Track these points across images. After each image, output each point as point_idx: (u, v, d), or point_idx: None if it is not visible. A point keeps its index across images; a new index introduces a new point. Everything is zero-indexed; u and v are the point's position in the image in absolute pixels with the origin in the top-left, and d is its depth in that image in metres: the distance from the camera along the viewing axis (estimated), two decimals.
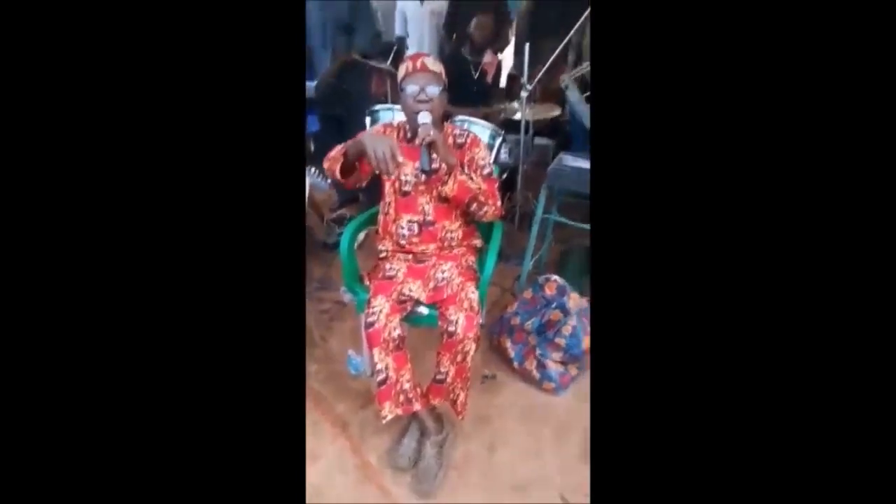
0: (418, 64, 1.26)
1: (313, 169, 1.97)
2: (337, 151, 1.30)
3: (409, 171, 1.35)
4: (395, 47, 2.50)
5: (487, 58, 2.40)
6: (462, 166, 1.31)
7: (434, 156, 1.24)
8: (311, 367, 1.66)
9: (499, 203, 1.35)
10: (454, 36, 2.88)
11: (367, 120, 2.09)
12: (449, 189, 1.27)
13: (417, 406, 1.29)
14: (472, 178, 1.28)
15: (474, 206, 1.30)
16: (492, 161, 1.86)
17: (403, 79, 1.27)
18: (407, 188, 1.36)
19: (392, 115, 2.04)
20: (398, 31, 3.17)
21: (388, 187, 1.39)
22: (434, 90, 1.25)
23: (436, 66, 1.27)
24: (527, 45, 2.12)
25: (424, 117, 1.23)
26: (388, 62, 2.31)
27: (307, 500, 1.18)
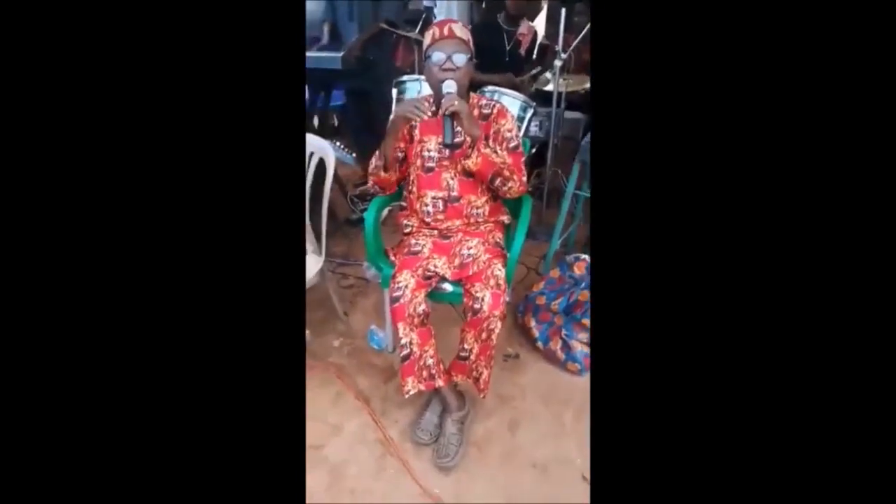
0: (445, 30, 1.20)
1: (339, 143, 1.94)
2: (375, 159, 1.32)
3: (432, 146, 1.31)
4: (423, 16, 2.41)
5: (523, 28, 2.28)
6: (487, 139, 1.26)
7: (458, 128, 1.19)
8: (335, 342, 1.68)
9: (524, 178, 1.30)
10: (483, 4, 2.77)
11: (394, 91, 2.04)
12: (472, 163, 1.22)
13: (440, 382, 1.28)
14: (496, 152, 1.24)
15: (498, 181, 1.26)
16: (521, 134, 1.80)
17: (429, 46, 1.22)
18: (431, 164, 1.32)
19: (419, 86, 1.98)
20: (426, 2, 3.07)
21: (412, 163, 1.36)
22: (461, 58, 1.19)
23: (463, 33, 1.21)
24: (562, 14, 2.01)
25: (449, 86, 1.18)
26: (416, 32, 2.23)
27: (332, 472, 1.22)
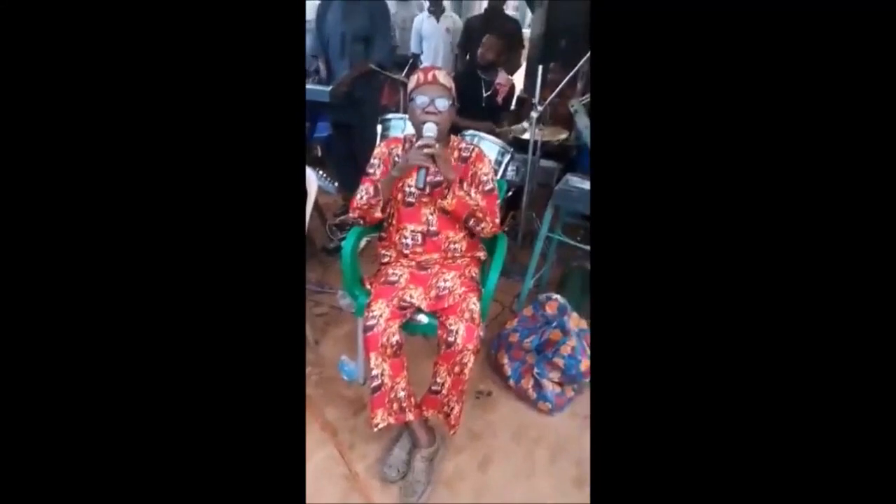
0: (430, 76, 1.27)
1: (321, 172, 1.97)
2: (368, 196, 1.32)
3: (413, 181, 1.35)
4: (410, 62, 2.54)
5: (501, 78, 2.43)
6: (463, 182, 1.32)
7: (432, 172, 1.26)
8: (305, 372, 1.63)
9: (497, 220, 1.36)
10: (468, 55, 2.94)
11: (378, 128, 2.11)
12: (447, 203, 1.28)
13: (410, 416, 1.26)
14: (470, 195, 1.29)
15: (472, 221, 1.32)
16: (498, 177, 1.88)
17: (414, 89, 1.28)
18: (411, 199, 1.35)
19: (403, 124, 2.06)
20: (413, 48, 3.24)
21: (394, 197, 1.39)
22: (443, 103, 1.26)
23: (446, 80, 1.28)
24: (539, 69, 2.16)
25: (430, 129, 1.23)
26: (403, 75, 2.35)
27: None
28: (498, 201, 1.39)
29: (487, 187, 1.36)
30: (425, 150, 1.19)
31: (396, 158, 1.35)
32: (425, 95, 1.25)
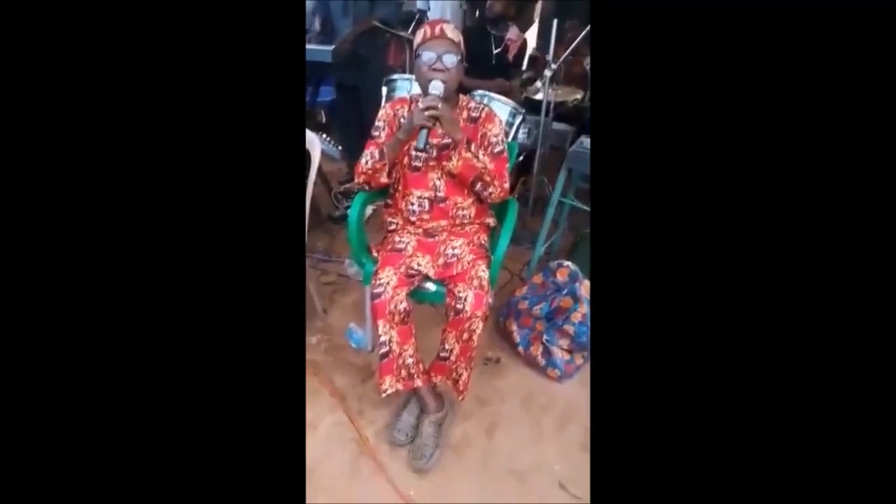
0: (437, 30, 1.19)
1: (325, 136, 1.91)
2: (374, 160, 1.27)
3: (420, 144, 1.29)
4: (416, 18, 2.42)
5: (512, 34, 2.31)
6: (471, 143, 1.25)
7: (439, 133, 1.19)
8: (312, 339, 1.63)
9: (506, 185, 1.29)
10: (477, 10, 2.79)
11: (384, 90, 2.02)
12: (453, 166, 1.22)
13: (419, 382, 1.26)
14: (478, 157, 1.23)
15: (479, 185, 1.26)
16: (509, 140, 1.80)
17: (420, 45, 1.20)
18: (417, 163, 1.30)
19: (410, 85, 1.96)
20: (420, 4, 3.09)
21: (399, 162, 1.34)
22: (451, 59, 1.18)
23: (455, 34, 1.20)
24: (554, 25, 2.04)
25: (436, 87, 1.16)
26: (409, 32, 2.23)
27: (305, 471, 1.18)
28: (508, 165, 1.33)
29: (497, 149, 1.29)
30: (429, 111, 1.13)
31: (402, 120, 1.29)
32: (432, 51, 1.18)
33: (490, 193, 1.28)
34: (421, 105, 1.14)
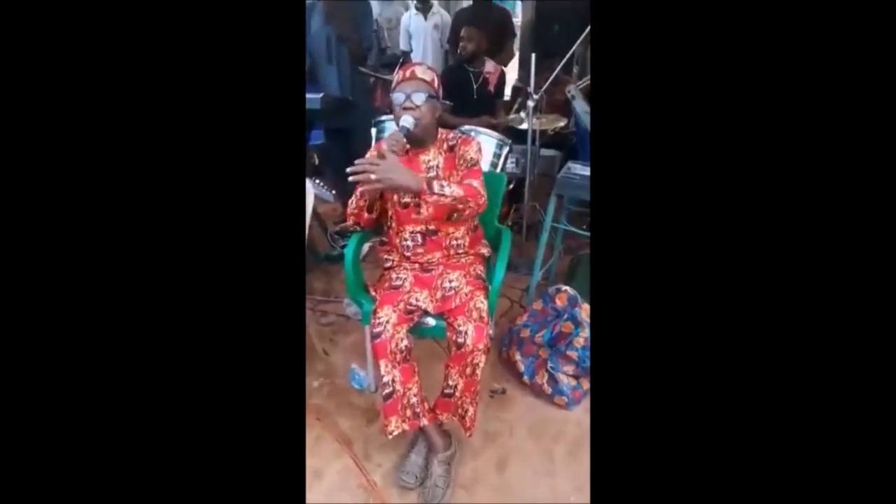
0: (408, 73, 1.25)
1: (318, 181, 1.94)
2: (357, 200, 1.30)
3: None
4: (400, 61, 2.51)
5: (489, 66, 2.39)
6: (438, 180, 1.26)
7: (422, 168, 1.25)
8: (314, 383, 1.61)
9: (481, 200, 1.24)
10: (458, 52, 2.90)
11: (373, 131, 2.08)
12: (425, 215, 1.27)
13: (424, 421, 1.23)
14: (443, 191, 1.17)
15: (455, 214, 1.26)
16: (498, 170, 1.84)
17: (393, 89, 1.26)
18: (406, 199, 1.31)
19: None
20: (402, 46, 3.20)
21: (389, 199, 1.36)
22: (420, 97, 1.22)
23: (426, 74, 1.25)
24: (532, 58, 2.12)
25: (406, 121, 1.21)
26: (393, 75, 2.31)
27: None
28: (481, 176, 1.30)
29: (471, 163, 1.28)
30: (390, 147, 1.17)
31: None
32: (402, 92, 1.23)
33: (470, 212, 1.24)
34: (385, 142, 1.20)
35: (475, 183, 1.24)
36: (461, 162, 1.30)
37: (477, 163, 1.31)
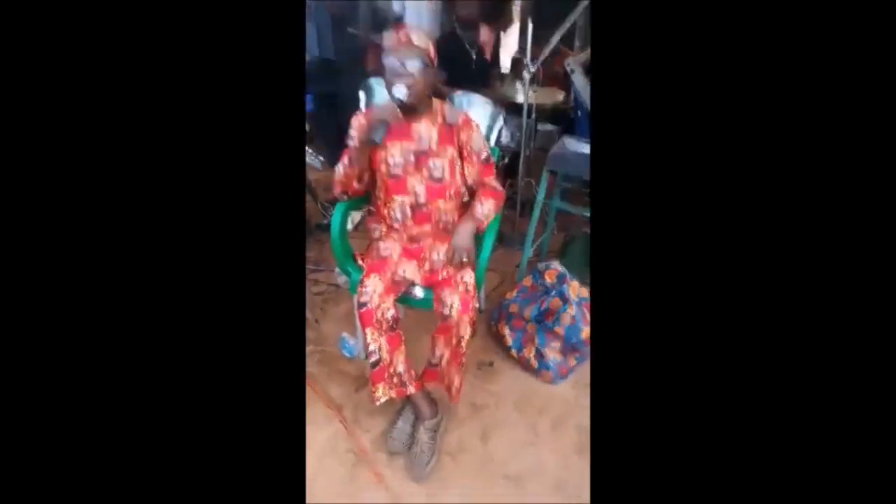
0: (402, 36, 1.19)
1: (308, 150, 1.91)
2: (345, 168, 1.29)
3: (397, 152, 1.29)
4: (392, 23, 2.43)
5: (483, 35, 2.30)
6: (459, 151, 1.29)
7: (415, 139, 1.25)
8: (307, 350, 1.63)
9: (499, 189, 1.34)
10: (454, 17, 2.80)
11: (361, 94, 2.02)
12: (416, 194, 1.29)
13: (411, 389, 1.26)
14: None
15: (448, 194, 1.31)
16: (492, 144, 1.81)
17: (386, 52, 1.21)
18: (396, 170, 1.30)
19: None
20: (396, 8, 3.09)
21: (377, 169, 1.34)
22: (414, 64, 1.18)
23: (421, 40, 1.20)
24: (530, 26, 2.05)
25: (398, 91, 1.18)
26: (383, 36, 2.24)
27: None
28: (494, 171, 1.36)
29: (483, 156, 1.32)
30: (382, 118, 1.18)
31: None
32: (395, 57, 1.18)
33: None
34: (375, 112, 1.20)
35: (494, 182, 1.33)
36: (467, 152, 1.31)
37: (490, 157, 1.34)
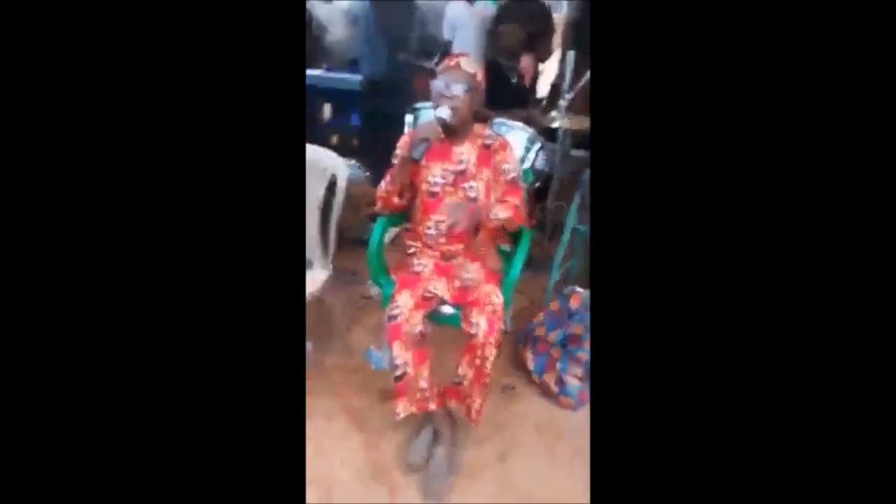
0: (452, 63, 1.27)
1: (353, 161, 1.99)
2: (387, 185, 1.35)
3: (437, 171, 1.35)
4: (442, 50, 2.52)
5: (524, 62, 2.37)
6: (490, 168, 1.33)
7: (454, 161, 1.31)
8: (334, 360, 1.67)
9: (522, 210, 1.36)
10: (497, 44, 2.87)
11: (409, 118, 2.10)
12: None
13: (432, 405, 1.27)
14: (497, 215, 1.31)
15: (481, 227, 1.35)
16: (528, 167, 1.85)
17: (435, 77, 1.29)
18: (435, 189, 1.35)
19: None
20: (446, 36, 3.19)
21: (418, 187, 1.40)
22: (458, 88, 1.25)
23: (469, 66, 1.28)
24: (569, 55, 2.09)
25: (441, 112, 1.24)
26: (433, 63, 2.33)
27: (317, 493, 1.20)
28: (521, 192, 1.37)
29: (510, 176, 1.35)
30: (423, 134, 1.23)
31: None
32: (442, 80, 1.26)
33: (513, 227, 1.37)
34: (417, 130, 1.26)
35: (517, 202, 1.34)
36: (498, 170, 1.35)
37: (517, 178, 1.37)
